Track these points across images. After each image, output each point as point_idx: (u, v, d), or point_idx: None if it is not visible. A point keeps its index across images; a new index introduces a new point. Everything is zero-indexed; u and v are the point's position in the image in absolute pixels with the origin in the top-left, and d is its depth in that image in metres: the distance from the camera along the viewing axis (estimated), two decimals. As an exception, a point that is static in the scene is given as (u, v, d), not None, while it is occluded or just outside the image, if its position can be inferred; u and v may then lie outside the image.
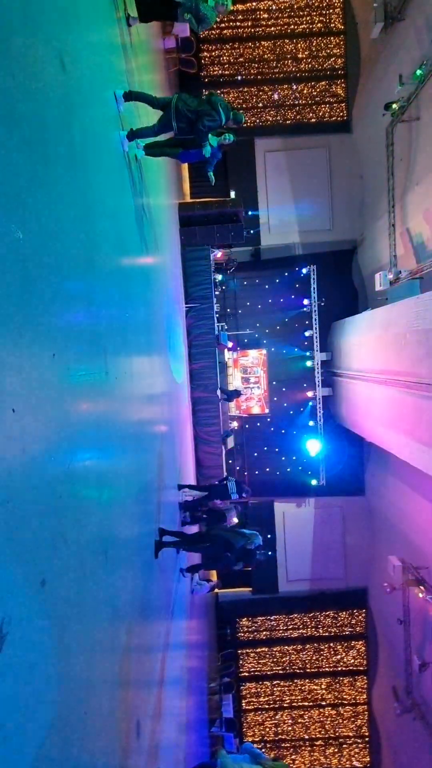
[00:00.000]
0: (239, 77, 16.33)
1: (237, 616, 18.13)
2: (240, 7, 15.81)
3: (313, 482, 17.05)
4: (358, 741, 17.89)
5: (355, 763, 17.80)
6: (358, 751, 17.86)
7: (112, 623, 3.24)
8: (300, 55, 16.28)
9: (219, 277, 15.74)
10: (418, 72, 11.14)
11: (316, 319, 16.54)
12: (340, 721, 17.97)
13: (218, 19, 6.12)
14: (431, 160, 11.38)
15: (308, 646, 18.07)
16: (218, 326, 14.57)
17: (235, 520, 12.18)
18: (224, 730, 13.36)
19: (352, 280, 17.01)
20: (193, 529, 9.13)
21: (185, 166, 15.10)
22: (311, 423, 16.94)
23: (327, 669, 18.05)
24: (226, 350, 15.65)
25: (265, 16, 16.14)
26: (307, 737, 17.97)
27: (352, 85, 16.13)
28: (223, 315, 16.75)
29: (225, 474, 13.79)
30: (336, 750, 17.89)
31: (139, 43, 6.56)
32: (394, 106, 12.24)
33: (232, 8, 5.97)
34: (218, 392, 14.21)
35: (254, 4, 16.02)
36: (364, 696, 17.92)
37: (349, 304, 16.62)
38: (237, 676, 17.71)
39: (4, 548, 1.67)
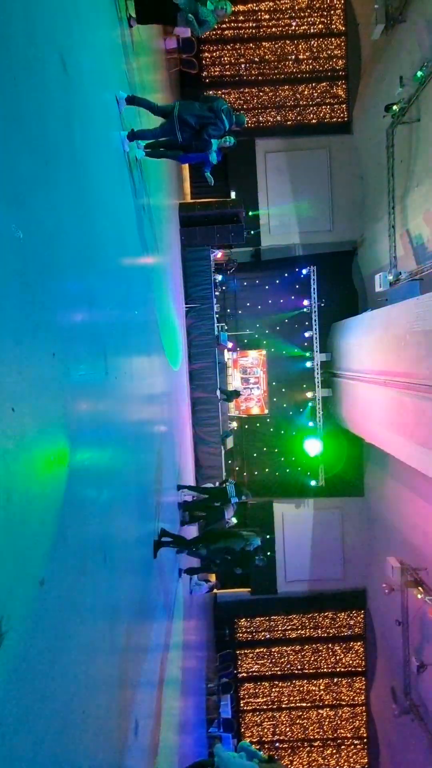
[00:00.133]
0: (240, 78, 16.35)
1: (235, 617, 18.13)
2: (241, 7, 15.83)
3: (313, 483, 17.05)
4: (357, 742, 17.89)
5: (354, 765, 17.80)
6: (356, 752, 17.86)
7: (111, 623, 3.24)
8: (301, 56, 16.30)
9: (219, 277, 15.75)
10: (419, 74, 11.15)
11: (316, 320, 16.55)
12: (339, 722, 17.97)
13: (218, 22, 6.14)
14: (431, 161, 11.40)
15: (307, 646, 18.06)
16: (218, 327, 14.58)
17: (234, 520, 12.19)
18: (222, 731, 13.36)
19: (352, 281, 17.02)
20: (193, 529, 9.13)
21: (186, 166, 15.11)
22: (311, 424, 16.95)
23: (325, 670, 18.05)
24: (225, 350, 15.66)
25: (266, 17, 16.16)
26: (305, 738, 17.96)
27: (353, 86, 16.15)
28: (223, 315, 16.75)
29: (224, 476, 13.79)
30: (334, 751, 17.89)
31: (140, 43, 6.57)
32: (395, 107, 12.24)
33: (233, 9, 5.98)
34: (218, 392, 14.21)
35: (255, 5, 16.04)
36: (363, 697, 17.92)
37: (349, 305, 16.63)
38: (235, 677, 17.70)
39: (3, 547, 1.67)
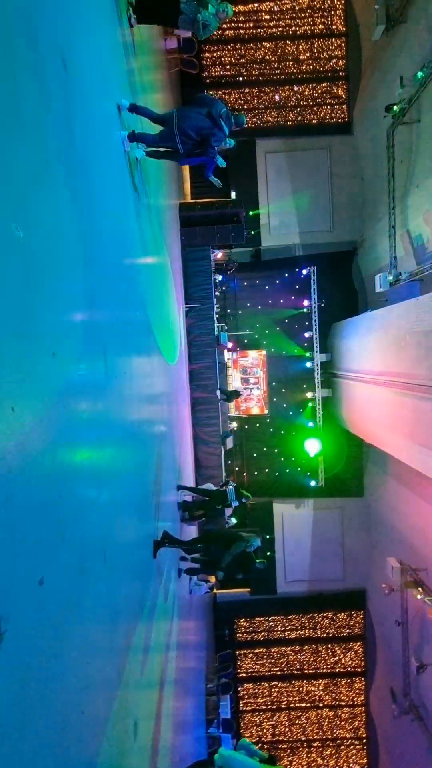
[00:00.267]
0: (240, 78, 16.35)
1: (235, 617, 18.12)
2: (242, 8, 15.83)
3: (312, 483, 17.06)
4: (356, 742, 17.89)
5: (353, 765, 17.79)
6: (356, 753, 17.85)
7: (110, 622, 3.24)
8: (301, 57, 16.30)
9: (219, 277, 15.75)
10: (419, 74, 11.14)
11: (315, 320, 16.55)
12: (338, 722, 17.96)
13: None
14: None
15: (306, 647, 18.06)
16: (218, 327, 14.58)
17: (234, 520, 12.17)
18: (222, 731, 13.35)
19: (352, 281, 17.02)
20: (192, 529, 9.13)
21: (186, 166, 15.13)
22: (310, 424, 16.95)
23: (325, 670, 18.05)
24: (225, 351, 15.66)
25: (267, 17, 16.16)
26: (304, 738, 17.96)
27: (354, 86, 16.15)
28: (223, 315, 16.75)
29: (225, 477, 13.79)
30: (333, 751, 17.88)
31: (140, 43, 6.57)
32: (395, 108, 12.24)
33: (234, 10, 5.98)
34: (218, 393, 14.21)
35: (256, 5, 16.04)
36: (362, 697, 17.92)
37: (349, 306, 16.62)
38: (235, 677, 17.69)
39: (2, 547, 1.67)
